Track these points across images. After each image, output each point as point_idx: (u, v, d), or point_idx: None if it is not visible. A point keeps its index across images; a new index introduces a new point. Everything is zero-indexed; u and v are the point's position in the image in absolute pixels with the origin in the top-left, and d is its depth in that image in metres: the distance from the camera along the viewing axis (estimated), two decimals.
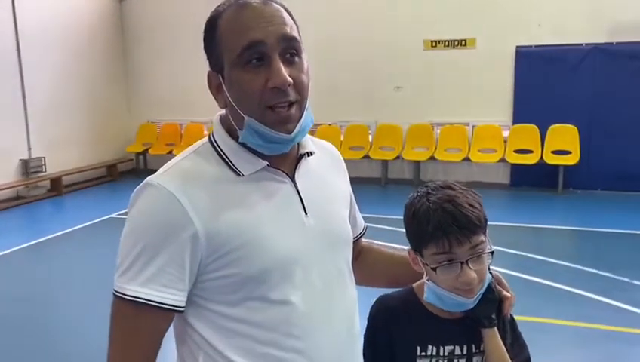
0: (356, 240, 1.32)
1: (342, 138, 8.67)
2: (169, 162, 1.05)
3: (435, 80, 8.20)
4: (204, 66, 1.06)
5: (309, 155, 1.11)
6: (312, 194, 1.08)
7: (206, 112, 8.23)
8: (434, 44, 8.19)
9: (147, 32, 9.63)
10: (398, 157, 8.35)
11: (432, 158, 8.13)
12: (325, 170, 1.17)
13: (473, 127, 8.14)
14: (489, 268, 1.20)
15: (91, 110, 9.25)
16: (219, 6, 1.02)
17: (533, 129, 7.74)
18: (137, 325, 0.97)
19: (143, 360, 0.98)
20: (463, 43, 8.05)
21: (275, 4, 1.01)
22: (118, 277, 0.97)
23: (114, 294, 0.97)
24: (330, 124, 8.75)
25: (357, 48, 8.46)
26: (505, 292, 1.24)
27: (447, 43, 8.13)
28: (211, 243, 0.96)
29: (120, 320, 0.98)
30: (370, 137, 8.62)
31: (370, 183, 8.53)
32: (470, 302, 1.15)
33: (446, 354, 1.21)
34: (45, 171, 8.29)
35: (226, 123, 1.05)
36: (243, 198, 1.01)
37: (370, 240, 1.44)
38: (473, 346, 1.21)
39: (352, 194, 1.29)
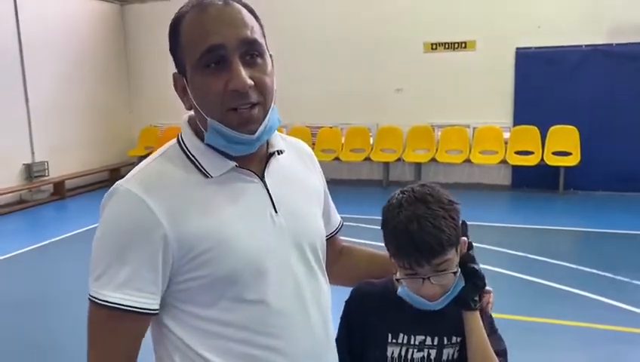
0: (332, 237, 1.34)
1: (343, 140, 8.71)
2: (137, 166, 1.05)
3: (436, 82, 8.23)
4: None
5: (279, 153, 1.11)
6: (283, 192, 1.08)
7: None
8: (434, 46, 8.22)
9: (149, 36, 9.67)
10: (399, 160, 8.38)
11: (433, 160, 8.16)
12: (296, 167, 1.17)
13: (474, 128, 8.17)
14: (474, 260, 1.24)
15: (93, 114, 9.30)
16: (182, 7, 1.02)
17: (533, 130, 7.76)
18: (113, 329, 0.97)
19: None
20: (463, 45, 8.08)
21: (237, 5, 1.01)
22: (92, 282, 0.97)
23: (89, 299, 0.97)
24: (331, 127, 8.79)
25: (357, 51, 8.50)
26: (486, 287, 1.28)
27: (447, 45, 8.16)
28: (182, 245, 0.97)
29: (96, 325, 0.98)
30: (371, 139, 8.65)
31: (371, 185, 8.56)
32: (433, 305, 1.20)
33: (417, 343, 1.25)
34: (48, 175, 8.33)
35: (194, 125, 1.06)
36: (212, 200, 1.01)
37: (350, 241, 1.45)
38: (445, 338, 1.25)
39: (327, 191, 1.30)
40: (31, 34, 8.01)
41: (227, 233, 0.99)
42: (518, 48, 7.81)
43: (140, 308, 0.96)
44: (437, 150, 8.22)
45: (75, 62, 8.91)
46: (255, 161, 1.07)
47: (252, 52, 0.99)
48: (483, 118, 8.10)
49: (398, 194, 1.23)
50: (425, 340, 1.25)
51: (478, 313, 1.23)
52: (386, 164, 8.49)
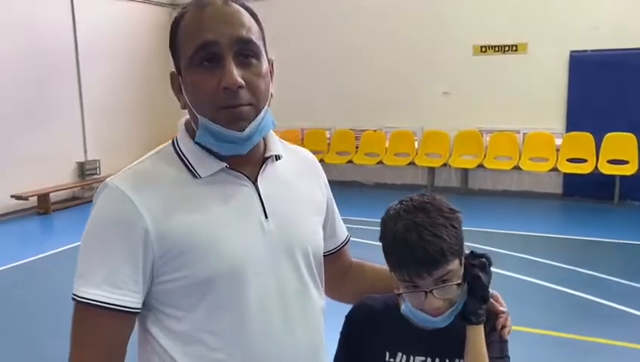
0: (338, 251, 1.29)
1: (387, 144, 8.60)
2: (131, 164, 1.05)
3: (485, 85, 8.01)
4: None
5: (277, 159, 1.09)
6: (276, 198, 1.05)
7: None
8: (484, 49, 8.00)
9: None
10: (445, 165, 8.20)
11: (481, 166, 7.93)
12: (296, 175, 1.14)
13: (524, 134, 7.90)
14: (484, 275, 1.17)
15: (143, 114, 9.56)
16: (184, 7, 1.02)
17: (587, 137, 7.43)
18: (94, 327, 0.96)
19: None
20: (514, 48, 7.82)
21: (237, 6, 1.00)
22: (76, 279, 0.97)
23: (72, 297, 0.97)
24: (375, 130, 8.69)
25: (404, 52, 8.37)
26: (500, 307, 1.21)
27: (497, 48, 7.92)
28: (163, 244, 0.95)
29: (79, 323, 0.97)
30: (416, 143, 8.50)
31: (415, 191, 8.31)
32: (439, 322, 1.13)
33: None
34: (100, 173, 8.63)
35: (190, 127, 1.05)
36: (198, 200, 0.99)
37: (362, 258, 1.40)
38: (447, 360, 1.19)
39: (333, 202, 1.26)
40: (86, 37, 8.30)
41: (210, 234, 0.97)
42: (572, 51, 7.50)
43: (119, 306, 0.94)
44: (485, 156, 7.99)
45: (127, 65, 9.18)
46: (249, 165, 1.05)
47: (246, 52, 0.98)
48: (534, 124, 7.82)
49: (397, 205, 1.17)
50: (425, 361, 1.18)
51: (480, 328, 1.15)
52: (431, 169, 8.33)
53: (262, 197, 1.04)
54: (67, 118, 8.18)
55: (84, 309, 0.95)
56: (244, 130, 0.97)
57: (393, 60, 8.45)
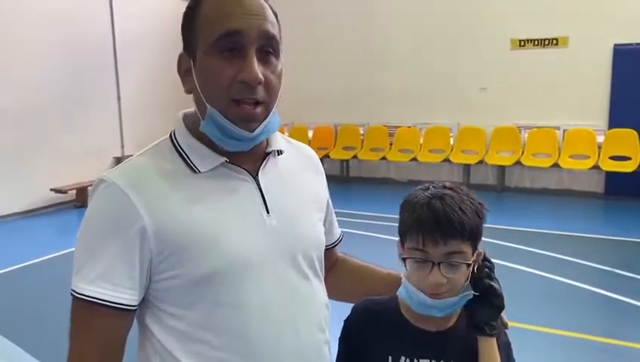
0: (330, 249, 1.27)
1: (421, 140, 8.47)
2: (128, 159, 1.03)
3: (523, 81, 7.80)
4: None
5: (278, 154, 1.07)
6: (278, 193, 1.03)
7: (288, 114, 8.36)
8: (522, 43, 7.79)
9: None
10: (481, 162, 8.03)
11: (518, 163, 7.75)
12: (297, 170, 1.12)
13: (564, 131, 7.66)
14: (490, 277, 1.13)
15: (179, 110, 9.65)
16: None
17: (631, 134, 7.16)
18: (89, 324, 0.94)
19: (99, 360, 0.95)
20: (554, 42, 7.59)
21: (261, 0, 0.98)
22: (73, 275, 0.95)
23: (70, 293, 0.95)
24: (409, 126, 8.58)
25: (440, 47, 8.23)
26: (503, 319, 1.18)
27: (536, 42, 7.70)
28: (160, 239, 0.93)
29: (75, 319, 0.96)
30: (451, 140, 8.35)
31: None
32: (435, 306, 1.08)
33: None
34: None
35: (189, 120, 1.03)
36: (197, 195, 0.97)
37: (347, 254, 1.37)
38: None
39: (330, 202, 1.24)
40: (124, 33, 8.44)
41: (209, 230, 0.95)
42: (616, 45, 7.23)
43: (114, 303, 0.93)
44: (523, 153, 7.79)
45: (164, 61, 9.28)
46: (251, 160, 1.03)
47: (269, 48, 0.96)
48: (574, 120, 7.58)
49: (430, 183, 1.16)
50: None
51: (494, 340, 1.11)
52: (467, 166, 8.17)
53: (263, 192, 1.02)
54: (105, 114, 8.35)
55: (80, 305, 0.94)
56: (253, 130, 0.96)
57: (429, 55, 8.32)
